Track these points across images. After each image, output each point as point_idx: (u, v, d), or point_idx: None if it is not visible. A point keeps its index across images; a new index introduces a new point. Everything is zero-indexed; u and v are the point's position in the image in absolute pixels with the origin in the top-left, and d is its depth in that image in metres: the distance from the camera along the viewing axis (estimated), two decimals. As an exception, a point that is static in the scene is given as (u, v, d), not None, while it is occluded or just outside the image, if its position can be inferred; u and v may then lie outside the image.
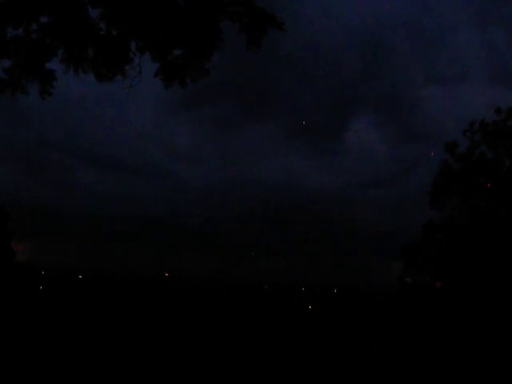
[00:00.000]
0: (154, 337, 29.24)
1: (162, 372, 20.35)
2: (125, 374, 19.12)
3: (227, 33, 5.40)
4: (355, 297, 77.44)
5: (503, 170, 21.58)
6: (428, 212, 23.74)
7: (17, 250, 40.30)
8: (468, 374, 18.48)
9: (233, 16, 5.18)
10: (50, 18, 4.74)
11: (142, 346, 25.59)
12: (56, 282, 70.62)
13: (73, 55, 4.88)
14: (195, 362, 22.57)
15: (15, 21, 4.65)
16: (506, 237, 20.53)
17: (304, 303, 66.18)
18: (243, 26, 5.19)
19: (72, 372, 18.54)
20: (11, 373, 17.31)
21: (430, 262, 22.84)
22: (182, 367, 21.24)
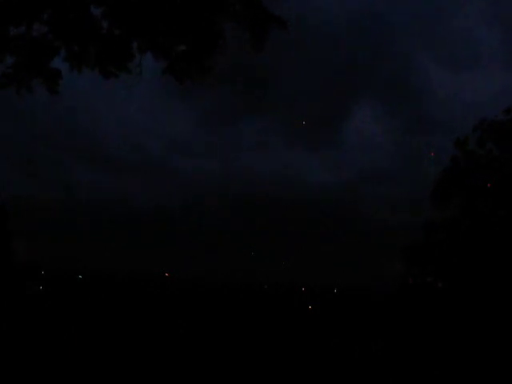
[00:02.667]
0: (153, 337, 29.25)
1: (162, 372, 20.36)
2: (125, 374, 19.13)
3: (228, 29, 5.41)
4: (355, 297, 77.47)
5: (504, 170, 21.55)
6: (430, 210, 23.70)
7: (17, 250, 40.31)
8: (469, 374, 18.49)
9: (235, 16, 5.19)
10: (51, 16, 4.75)
11: (142, 346, 25.59)
12: (56, 281, 70.64)
13: (75, 54, 4.89)
14: (195, 361, 22.57)
15: (17, 19, 4.65)
16: (506, 237, 20.54)
17: (304, 303, 66.19)
18: (246, 26, 5.20)
19: (72, 372, 18.54)
20: (11, 373, 17.32)
21: (430, 261, 22.83)
22: (182, 367, 21.24)
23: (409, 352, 22.19)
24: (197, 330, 34.56)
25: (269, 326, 39.11)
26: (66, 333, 27.95)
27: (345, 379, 21.44)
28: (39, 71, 4.83)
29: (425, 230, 23.26)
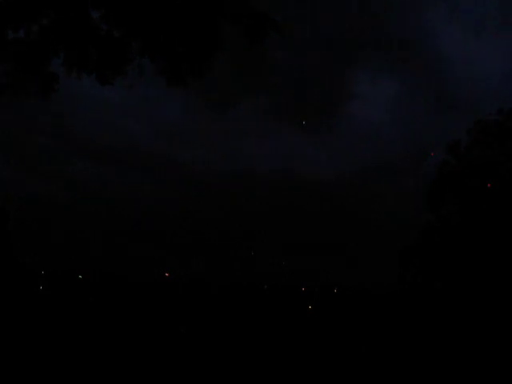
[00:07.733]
0: (154, 336, 29.29)
1: (163, 372, 20.39)
2: (125, 374, 19.16)
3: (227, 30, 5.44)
4: (355, 297, 77.40)
5: (502, 170, 21.54)
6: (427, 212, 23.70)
7: (17, 250, 40.37)
8: (468, 373, 18.54)
9: (232, 19, 5.22)
10: (50, 19, 4.75)
11: (143, 346, 25.63)
12: (56, 281, 70.64)
13: (74, 57, 4.90)
14: (196, 361, 22.61)
15: (15, 22, 4.66)
16: (502, 237, 20.57)
17: (304, 303, 66.16)
18: (243, 29, 5.24)
19: (72, 372, 18.57)
20: (11, 373, 17.35)
21: (429, 262, 22.86)
22: (182, 366, 21.27)
23: (409, 352, 22.23)
24: (197, 330, 34.60)
25: (269, 326, 39.14)
26: (66, 333, 27.99)
27: (345, 379, 21.47)
28: (36, 75, 4.82)
29: (422, 231, 23.33)
